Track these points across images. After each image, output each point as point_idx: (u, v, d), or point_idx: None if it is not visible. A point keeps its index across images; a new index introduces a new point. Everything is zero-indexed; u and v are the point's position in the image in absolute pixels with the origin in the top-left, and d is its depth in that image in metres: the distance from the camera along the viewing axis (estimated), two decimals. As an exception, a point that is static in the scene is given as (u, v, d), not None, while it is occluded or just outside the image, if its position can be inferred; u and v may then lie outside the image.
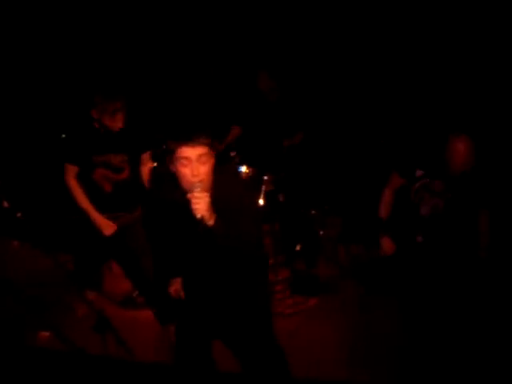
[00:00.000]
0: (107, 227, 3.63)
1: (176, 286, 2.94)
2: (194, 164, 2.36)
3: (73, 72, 5.65)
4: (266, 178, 4.47)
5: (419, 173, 3.51)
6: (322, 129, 5.46)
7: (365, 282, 4.25)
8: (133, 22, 5.86)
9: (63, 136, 3.71)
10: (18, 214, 4.80)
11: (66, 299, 4.13)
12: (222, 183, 2.51)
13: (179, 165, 2.39)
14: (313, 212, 4.92)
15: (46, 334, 3.75)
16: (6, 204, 4.80)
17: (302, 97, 5.21)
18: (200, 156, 2.36)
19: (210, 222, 2.34)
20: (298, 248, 4.80)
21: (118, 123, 3.45)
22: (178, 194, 2.48)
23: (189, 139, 2.35)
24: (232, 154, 4.65)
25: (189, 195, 2.34)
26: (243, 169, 4.47)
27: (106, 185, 3.64)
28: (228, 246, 2.47)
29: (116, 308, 4.05)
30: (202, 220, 2.31)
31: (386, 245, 3.68)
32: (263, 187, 4.45)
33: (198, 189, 2.33)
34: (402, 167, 3.62)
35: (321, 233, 4.96)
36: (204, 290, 2.77)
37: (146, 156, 3.77)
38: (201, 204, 2.31)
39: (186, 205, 2.35)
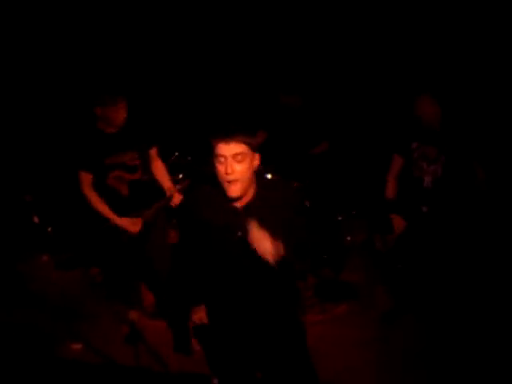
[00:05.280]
0: (133, 225, 3.62)
1: (200, 314, 2.74)
2: (229, 161, 2.27)
3: (75, 76, 5.66)
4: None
5: (414, 145, 3.78)
6: (346, 134, 5.45)
7: (393, 288, 4.22)
8: (144, 25, 5.92)
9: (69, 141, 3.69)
10: (48, 229, 4.90)
11: (96, 311, 4.16)
12: (267, 197, 2.40)
13: (216, 163, 2.31)
14: (339, 218, 4.90)
15: (78, 345, 3.77)
16: (36, 219, 4.89)
17: (325, 103, 5.22)
18: (236, 155, 2.28)
19: (281, 253, 2.23)
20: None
21: (121, 114, 3.47)
22: (226, 205, 2.40)
23: (225, 136, 2.28)
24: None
25: (248, 238, 2.23)
26: (268, 177, 4.46)
27: (122, 188, 3.64)
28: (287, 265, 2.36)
29: (147, 319, 4.06)
30: (271, 259, 2.19)
31: (398, 222, 3.85)
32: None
33: (254, 227, 2.21)
34: (399, 145, 3.88)
35: (348, 238, 4.93)
36: (239, 316, 2.59)
37: (153, 152, 3.78)
38: (264, 245, 2.20)
39: (232, 226, 2.30)
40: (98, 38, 5.72)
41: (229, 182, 2.29)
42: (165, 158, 4.26)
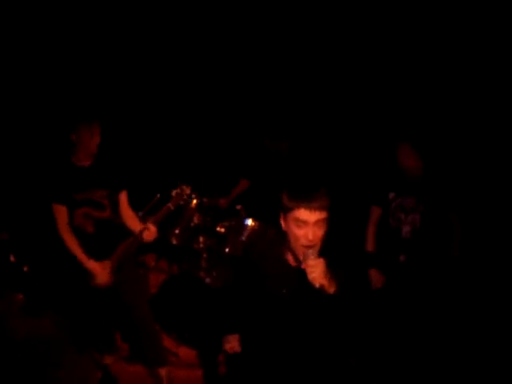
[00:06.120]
0: (101, 271, 3.54)
1: (233, 344, 2.67)
2: (311, 228, 2.19)
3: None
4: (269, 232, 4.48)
5: (391, 195, 3.82)
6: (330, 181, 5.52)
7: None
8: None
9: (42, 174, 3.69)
10: (25, 269, 4.82)
11: (70, 354, 4.07)
12: (331, 249, 2.33)
13: (293, 226, 2.23)
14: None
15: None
16: (12, 258, 4.83)
17: (310, 151, 5.29)
18: (318, 221, 2.20)
19: (331, 290, 2.16)
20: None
21: (94, 139, 3.51)
22: (285, 260, 2.38)
23: (310, 201, 2.19)
24: (238, 207, 4.67)
25: (303, 266, 2.18)
26: (249, 222, 4.49)
27: (88, 225, 3.60)
28: (344, 312, 2.31)
29: (121, 363, 4.00)
30: (321, 289, 2.13)
31: (376, 277, 3.86)
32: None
33: (312, 256, 2.16)
34: (376, 196, 3.92)
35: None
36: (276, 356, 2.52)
37: (123, 195, 3.74)
38: (317, 272, 2.12)
39: (297, 272, 2.23)
40: (77, 73, 5.75)
41: (306, 247, 2.20)
42: (146, 199, 4.29)
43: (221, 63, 5.98)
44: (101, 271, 3.54)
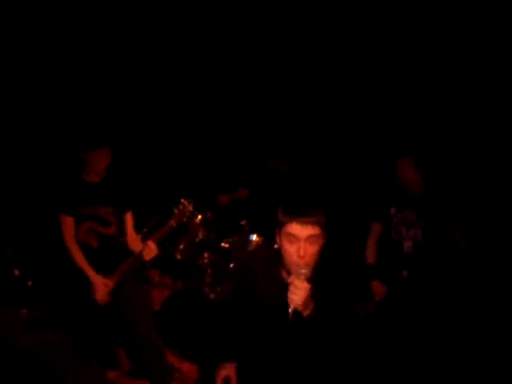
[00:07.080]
0: (100, 293, 3.53)
1: (229, 372, 2.53)
2: (302, 243, 2.13)
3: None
4: (276, 246, 4.47)
5: (393, 210, 3.84)
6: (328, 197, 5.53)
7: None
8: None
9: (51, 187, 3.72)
10: (29, 283, 4.82)
11: (73, 369, 4.05)
12: (326, 270, 2.29)
13: (285, 241, 2.18)
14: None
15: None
16: (17, 272, 4.83)
17: (311, 167, 5.31)
18: (310, 237, 2.14)
19: (305, 313, 2.11)
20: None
21: (103, 160, 3.57)
22: (277, 276, 2.33)
23: (302, 215, 2.14)
24: (242, 222, 4.68)
25: (289, 280, 2.13)
26: (254, 237, 4.50)
27: (92, 240, 3.62)
28: (320, 337, 2.24)
29: (127, 379, 3.97)
30: (294, 311, 2.08)
31: (378, 289, 3.86)
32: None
33: (302, 276, 2.09)
34: (377, 212, 3.93)
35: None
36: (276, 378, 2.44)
37: (128, 216, 3.77)
38: (298, 295, 2.07)
39: (283, 289, 2.15)
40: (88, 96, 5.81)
41: (298, 264, 2.13)
42: (146, 220, 4.29)
43: (227, 83, 6.03)
44: (102, 288, 3.53)
